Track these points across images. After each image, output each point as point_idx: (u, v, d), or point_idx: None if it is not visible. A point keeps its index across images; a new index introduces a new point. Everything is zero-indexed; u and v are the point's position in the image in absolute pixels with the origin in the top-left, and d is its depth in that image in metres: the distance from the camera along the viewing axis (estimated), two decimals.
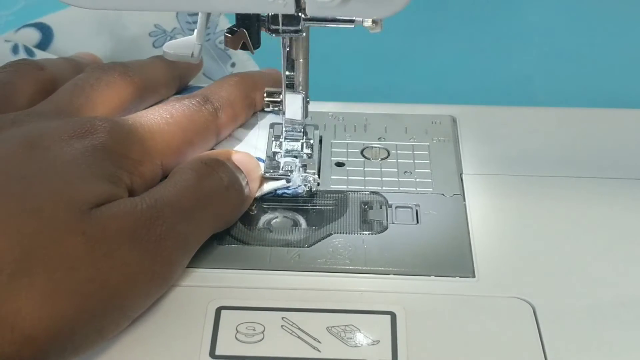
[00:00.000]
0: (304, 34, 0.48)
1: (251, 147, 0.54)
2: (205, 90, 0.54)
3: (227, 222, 0.49)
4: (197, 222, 0.46)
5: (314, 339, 0.43)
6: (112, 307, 0.41)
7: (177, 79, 0.58)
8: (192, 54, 0.48)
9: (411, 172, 0.54)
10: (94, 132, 0.45)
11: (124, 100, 0.52)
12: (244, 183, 0.50)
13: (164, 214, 0.44)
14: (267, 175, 0.52)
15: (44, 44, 0.62)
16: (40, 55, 0.61)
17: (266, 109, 0.55)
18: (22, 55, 0.61)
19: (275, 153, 0.54)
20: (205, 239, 0.48)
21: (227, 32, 0.47)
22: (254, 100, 0.56)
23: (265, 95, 0.54)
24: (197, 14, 0.60)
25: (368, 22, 0.44)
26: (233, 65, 0.65)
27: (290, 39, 0.49)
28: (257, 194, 0.52)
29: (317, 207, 0.51)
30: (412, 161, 0.55)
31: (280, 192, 0.52)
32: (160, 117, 0.50)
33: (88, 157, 0.44)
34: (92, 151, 0.44)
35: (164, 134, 0.49)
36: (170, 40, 0.62)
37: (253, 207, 0.51)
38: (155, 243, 0.43)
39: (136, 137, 0.47)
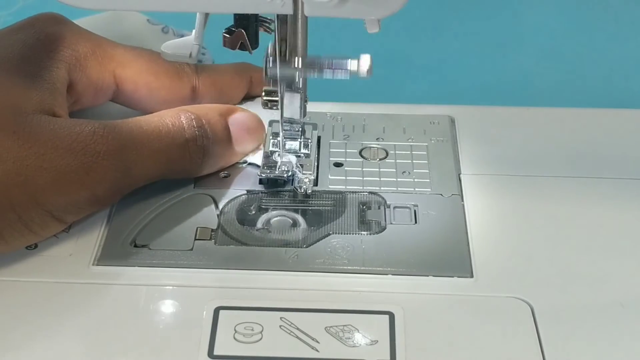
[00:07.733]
0: None
1: None
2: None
3: (180, 173, 0.51)
4: (143, 156, 0.48)
5: (313, 339, 0.43)
6: (34, 203, 0.44)
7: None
8: (190, 54, 0.48)
9: (409, 173, 0.54)
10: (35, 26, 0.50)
11: None
12: (210, 144, 0.51)
13: (108, 137, 0.46)
14: (264, 175, 0.52)
15: None
16: None
17: (264, 108, 0.55)
18: None
19: (272, 152, 0.54)
20: (151, 176, 0.49)
21: (225, 33, 0.47)
22: (250, 78, 0.57)
23: (263, 94, 0.54)
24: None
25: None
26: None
27: None
28: (248, 159, 0.53)
29: (316, 208, 0.51)
30: (410, 161, 0.55)
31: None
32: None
33: (26, 51, 0.48)
34: (31, 45, 0.48)
35: (126, 54, 0.53)
36: None
37: (252, 207, 0.51)
38: (92, 158, 0.45)
39: (88, 35, 0.52)
